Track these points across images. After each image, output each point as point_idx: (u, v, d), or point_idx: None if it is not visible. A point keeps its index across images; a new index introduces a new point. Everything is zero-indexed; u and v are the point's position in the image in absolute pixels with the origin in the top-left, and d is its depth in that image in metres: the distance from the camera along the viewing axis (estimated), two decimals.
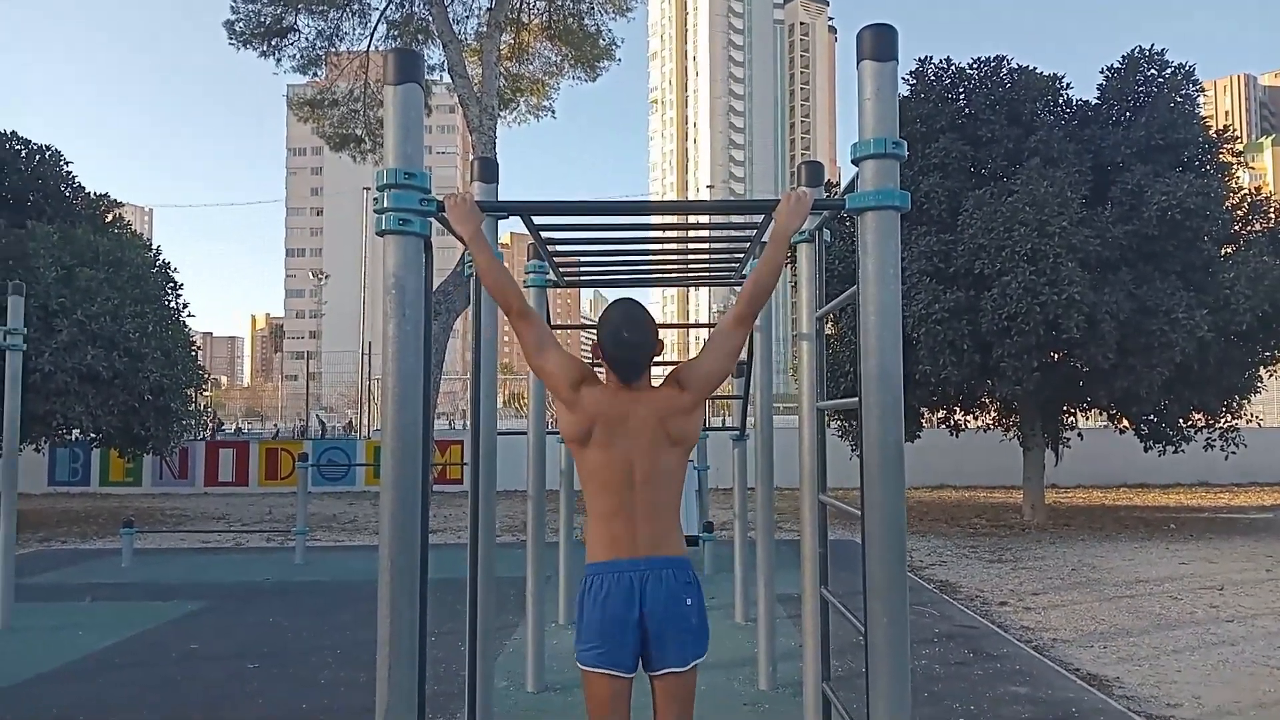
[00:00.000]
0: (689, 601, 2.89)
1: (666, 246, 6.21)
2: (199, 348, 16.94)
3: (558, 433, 7.49)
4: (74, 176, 15.47)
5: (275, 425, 38.93)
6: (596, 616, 2.85)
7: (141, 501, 18.58)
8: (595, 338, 3.00)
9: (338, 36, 22.02)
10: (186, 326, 15.32)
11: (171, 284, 15.11)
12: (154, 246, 15.91)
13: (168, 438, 14.29)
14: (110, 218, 15.94)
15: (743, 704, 5.13)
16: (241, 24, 21.00)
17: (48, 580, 9.47)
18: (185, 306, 15.26)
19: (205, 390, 18.33)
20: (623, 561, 2.86)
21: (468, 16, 21.65)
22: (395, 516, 2.59)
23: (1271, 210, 13.10)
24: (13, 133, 14.93)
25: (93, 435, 14.02)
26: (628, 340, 2.91)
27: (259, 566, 10.35)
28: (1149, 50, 13.16)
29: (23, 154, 14.74)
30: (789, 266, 4.93)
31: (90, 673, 5.91)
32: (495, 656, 4.39)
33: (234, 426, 36.28)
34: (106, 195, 16.06)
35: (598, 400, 2.91)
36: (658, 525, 2.90)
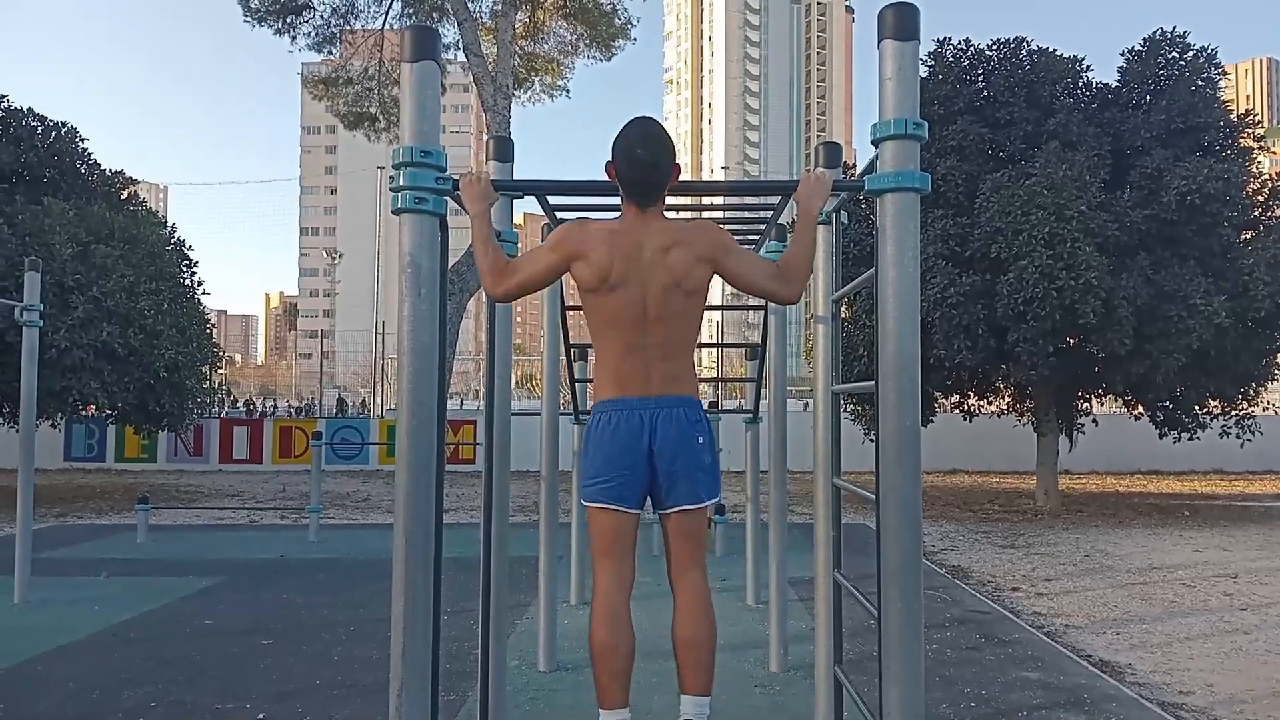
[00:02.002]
0: (700, 440, 2.84)
1: None
2: (213, 325, 16.99)
3: (570, 413, 7.44)
4: (90, 153, 15.48)
5: (275, 403, 39.11)
6: (604, 450, 2.80)
7: (156, 478, 18.72)
8: (610, 157, 2.92)
9: (353, 14, 22.01)
10: (201, 304, 15.36)
11: (186, 261, 15.14)
12: (169, 224, 15.95)
13: (182, 414, 14.37)
14: (126, 195, 15.96)
15: (754, 686, 5.14)
16: (257, 0, 20.98)
17: (64, 555, 9.55)
18: (200, 284, 15.31)
19: (220, 368, 18.41)
20: (633, 399, 2.81)
21: None
22: (410, 493, 2.59)
23: None
24: (29, 109, 14.95)
25: (108, 411, 14.11)
26: (642, 158, 2.83)
27: (273, 543, 10.42)
28: (1170, 32, 13.01)
29: (39, 130, 14.75)
30: None
31: (105, 647, 5.95)
32: (507, 635, 4.41)
33: (245, 401, 36.47)
34: (122, 172, 16.08)
35: (603, 235, 2.84)
36: (670, 365, 2.84)
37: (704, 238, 2.91)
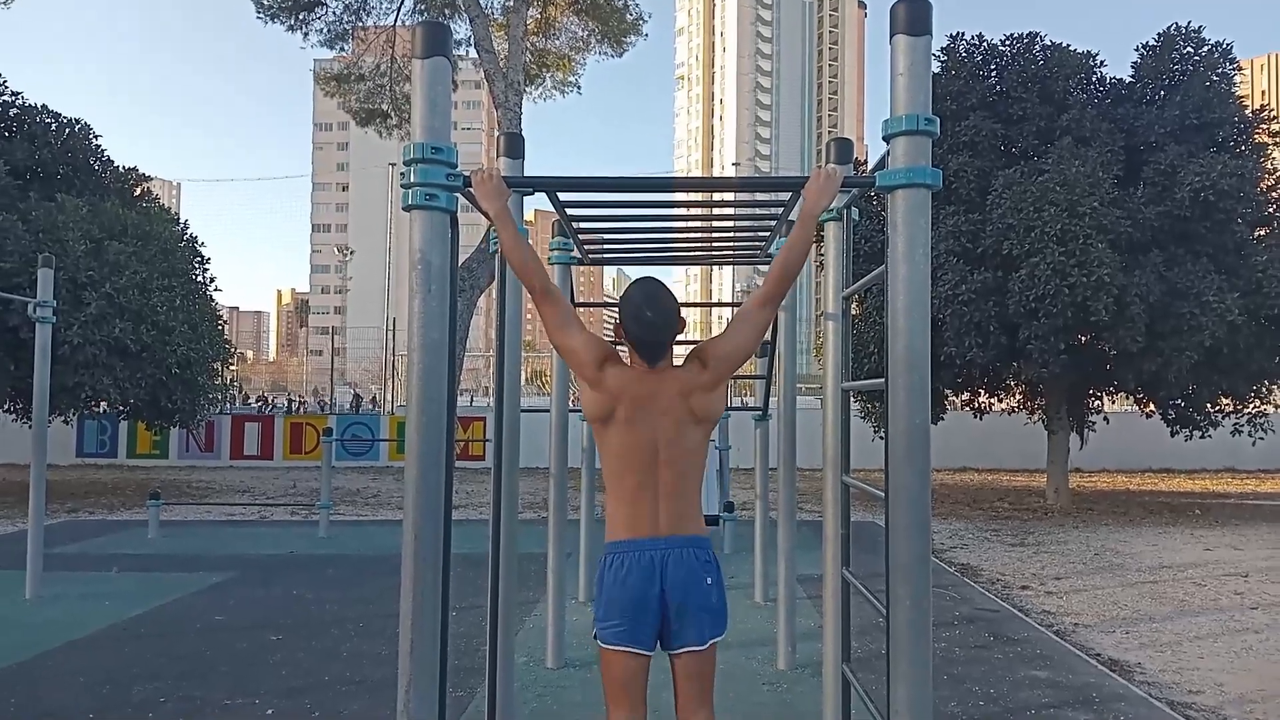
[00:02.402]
0: (709, 580, 2.88)
1: (691, 225, 6.17)
2: (225, 322, 17.05)
3: (580, 410, 7.45)
4: (103, 150, 15.56)
5: (288, 399, 39.17)
6: (616, 594, 2.85)
7: (168, 474, 18.80)
8: (617, 318, 2.98)
9: (365, 11, 22.05)
10: (213, 300, 15.42)
11: (198, 258, 15.21)
12: (181, 221, 16.00)
13: (194, 411, 14.43)
14: (138, 192, 16.03)
15: (762, 684, 5.14)
16: None
17: (75, 550, 9.60)
18: (212, 281, 15.37)
19: (231, 364, 18.48)
20: (644, 540, 2.86)
21: None
22: (420, 489, 2.59)
23: None
24: (43, 106, 15.03)
25: (120, 407, 14.18)
26: (650, 320, 2.88)
27: (283, 539, 10.46)
28: (1185, 27, 12.94)
29: (53, 128, 14.83)
30: (815, 245, 4.88)
31: (116, 642, 5.99)
32: (516, 632, 4.41)
33: (259, 397, 36.53)
34: (135, 169, 16.15)
35: (622, 380, 2.88)
36: (679, 504, 2.88)
37: (698, 363, 2.93)
